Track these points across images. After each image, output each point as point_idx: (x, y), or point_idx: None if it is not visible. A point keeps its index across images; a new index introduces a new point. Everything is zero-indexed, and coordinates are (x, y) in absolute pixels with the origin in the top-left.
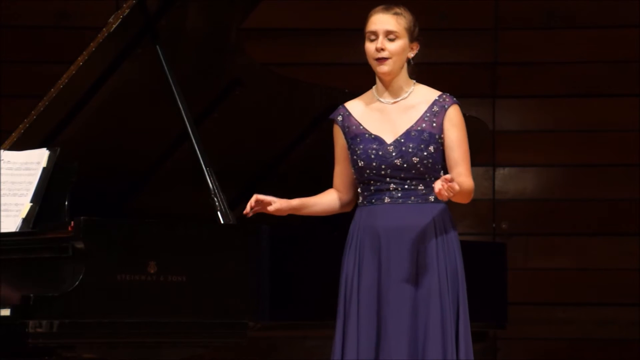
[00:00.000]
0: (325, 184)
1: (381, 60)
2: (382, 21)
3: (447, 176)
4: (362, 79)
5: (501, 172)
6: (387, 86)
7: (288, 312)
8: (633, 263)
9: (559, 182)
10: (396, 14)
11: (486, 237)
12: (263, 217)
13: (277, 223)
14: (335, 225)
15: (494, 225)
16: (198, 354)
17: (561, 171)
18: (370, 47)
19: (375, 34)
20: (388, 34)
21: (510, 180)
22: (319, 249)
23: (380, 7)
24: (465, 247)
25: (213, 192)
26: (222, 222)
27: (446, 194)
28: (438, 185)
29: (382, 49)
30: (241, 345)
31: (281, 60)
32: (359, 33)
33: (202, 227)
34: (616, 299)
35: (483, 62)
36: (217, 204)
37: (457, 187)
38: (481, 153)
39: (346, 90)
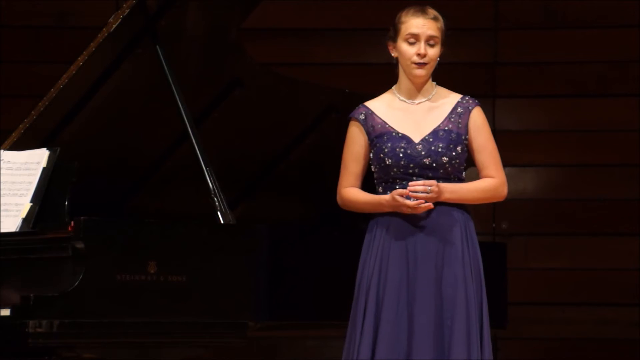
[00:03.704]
0: (325, 184)
1: (421, 65)
2: (424, 25)
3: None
4: (363, 78)
5: None
6: (416, 88)
7: (288, 312)
8: (633, 263)
9: (558, 182)
10: (435, 18)
11: (486, 237)
12: (263, 217)
13: (277, 223)
14: (335, 224)
15: (494, 225)
16: (198, 354)
17: (561, 171)
18: (409, 50)
19: (417, 37)
20: (429, 39)
21: (510, 180)
22: (318, 249)
23: (417, 9)
24: None
25: (213, 192)
26: (222, 222)
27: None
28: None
29: (425, 54)
30: (241, 345)
31: (281, 60)
32: (359, 33)
33: (202, 227)
34: (616, 299)
35: (483, 62)
36: (217, 204)
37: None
38: None
39: (346, 90)
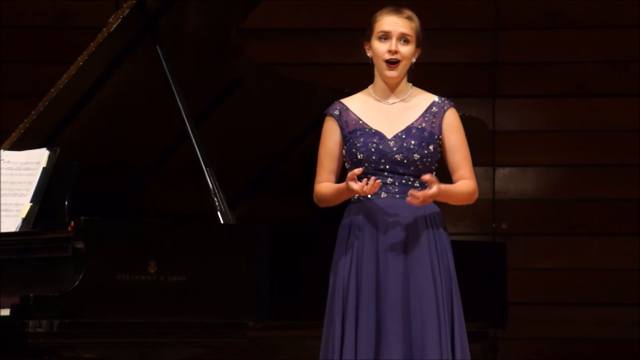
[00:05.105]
0: None
1: (392, 64)
2: (396, 23)
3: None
4: (363, 78)
5: (501, 172)
6: (391, 88)
7: (288, 312)
8: (633, 263)
9: (558, 182)
10: (409, 17)
11: (486, 237)
12: (263, 217)
13: (277, 223)
14: (334, 224)
15: (494, 225)
16: (198, 354)
17: (561, 171)
18: (381, 47)
19: (389, 34)
20: (401, 37)
21: (510, 180)
22: (318, 249)
23: (391, 9)
24: (465, 247)
25: (213, 192)
26: (222, 222)
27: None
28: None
29: (396, 51)
30: (241, 345)
31: (281, 60)
32: (359, 33)
33: (202, 227)
34: (616, 299)
35: (483, 62)
36: (217, 204)
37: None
38: (481, 153)
39: (346, 90)
